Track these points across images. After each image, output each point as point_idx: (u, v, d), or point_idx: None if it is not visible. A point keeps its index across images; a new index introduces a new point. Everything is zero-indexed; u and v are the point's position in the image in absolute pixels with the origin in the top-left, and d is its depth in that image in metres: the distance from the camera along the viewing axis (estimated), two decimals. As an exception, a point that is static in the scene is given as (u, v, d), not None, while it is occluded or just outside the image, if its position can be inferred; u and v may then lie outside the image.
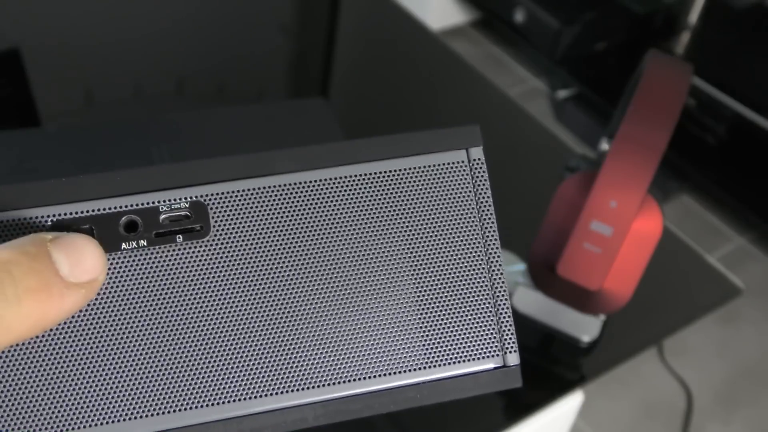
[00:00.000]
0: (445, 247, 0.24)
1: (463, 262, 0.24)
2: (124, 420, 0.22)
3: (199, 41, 0.82)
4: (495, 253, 0.24)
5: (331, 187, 0.24)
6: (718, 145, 1.70)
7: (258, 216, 0.23)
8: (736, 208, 1.65)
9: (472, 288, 0.24)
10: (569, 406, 0.64)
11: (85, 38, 0.78)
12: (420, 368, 0.24)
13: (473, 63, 0.89)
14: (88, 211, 0.22)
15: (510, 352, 0.24)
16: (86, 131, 0.59)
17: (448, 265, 0.24)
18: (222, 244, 0.23)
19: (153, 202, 0.22)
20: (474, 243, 0.24)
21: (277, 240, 0.23)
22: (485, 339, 0.24)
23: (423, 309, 0.24)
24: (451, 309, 0.24)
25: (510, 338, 0.24)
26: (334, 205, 0.23)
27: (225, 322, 0.23)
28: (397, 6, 0.93)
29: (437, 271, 0.24)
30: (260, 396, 0.23)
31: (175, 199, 0.23)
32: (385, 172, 0.24)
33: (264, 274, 0.23)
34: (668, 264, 0.69)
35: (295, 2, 0.91)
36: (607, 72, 1.87)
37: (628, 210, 0.53)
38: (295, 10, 0.91)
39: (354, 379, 0.23)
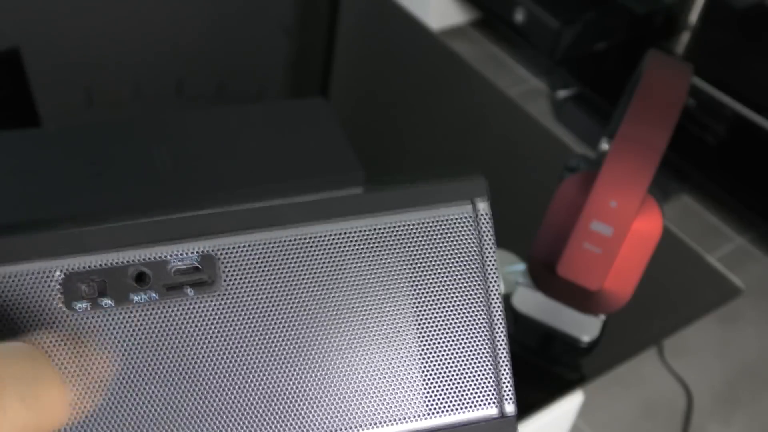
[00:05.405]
0: (449, 299, 0.25)
1: (464, 314, 0.25)
2: None
3: (199, 41, 0.82)
4: (497, 304, 0.25)
5: (338, 240, 0.24)
6: (718, 145, 1.70)
7: (267, 268, 0.24)
8: (736, 208, 1.65)
9: (472, 339, 0.25)
10: (569, 406, 0.64)
11: (85, 38, 0.78)
12: (420, 417, 0.24)
13: (473, 63, 0.89)
14: (98, 264, 0.22)
15: (507, 402, 0.25)
16: (86, 131, 0.59)
17: (450, 316, 0.25)
18: (232, 296, 0.23)
19: (163, 255, 0.23)
20: (476, 295, 0.25)
21: (285, 291, 0.24)
22: (484, 389, 0.25)
23: (424, 359, 0.24)
24: (451, 359, 0.25)
25: (508, 389, 0.25)
26: (341, 258, 0.24)
27: (234, 374, 0.23)
28: (397, 6, 0.93)
29: (439, 322, 0.25)
30: None
31: (185, 252, 0.23)
32: (394, 225, 0.24)
33: (273, 327, 0.24)
34: (668, 264, 0.69)
35: (295, 2, 0.91)
36: (607, 72, 1.87)
37: (628, 210, 0.53)
38: (295, 10, 0.91)
39: (355, 428, 0.24)
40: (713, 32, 1.79)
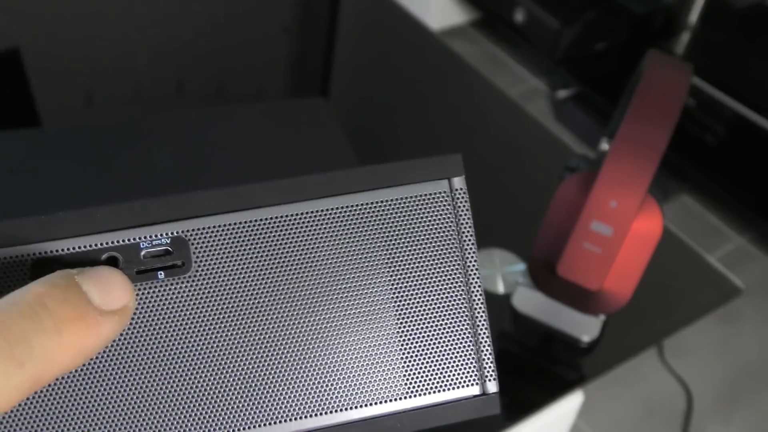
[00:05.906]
0: (426, 277, 0.24)
1: (443, 292, 0.24)
2: None
3: (199, 41, 0.82)
4: (475, 282, 0.25)
5: (312, 220, 0.24)
6: (718, 145, 1.70)
7: (239, 250, 0.23)
8: (736, 208, 1.65)
9: (451, 318, 0.24)
10: (569, 406, 0.64)
11: (85, 38, 0.78)
12: (400, 397, 0.24)
13: (473, 63, 0.89)
14: (68, 249, 0.22)
15: (489, 380, 0.25)
16: (86, 131, 0.59)
17: (429, 294, 0.24)
18: (204, 279, 0.23)
19: (133, 239, 0.22)
20: (455, 273, 0.25)
21: (259, 273, 0.23)
22: (464, 367, 0.25)
23: (403, 339, 0.24)
24: (431, 339, 0.24)
25: (489, 366, 0.25)
26: (315, 238, 0.24)
27: (208, 357, 0.23)
28: (397, 6, 0.93)
29: (418, 300, 0.24)
30: (242, 429, 0.23)
31: (155, 235, 0.23)
32: (367, 203, 0.24)
33: (246, 309, 0.23)
34: (668, 264, 0.69)
35: (295, 2, 0.91)
36: (607, 72, 1.87)
37: (628, 210, 0.53)
38: (295, 10, 0.91)
39: (335, 410, 0.24)
40: (713, 32, 1.79)
